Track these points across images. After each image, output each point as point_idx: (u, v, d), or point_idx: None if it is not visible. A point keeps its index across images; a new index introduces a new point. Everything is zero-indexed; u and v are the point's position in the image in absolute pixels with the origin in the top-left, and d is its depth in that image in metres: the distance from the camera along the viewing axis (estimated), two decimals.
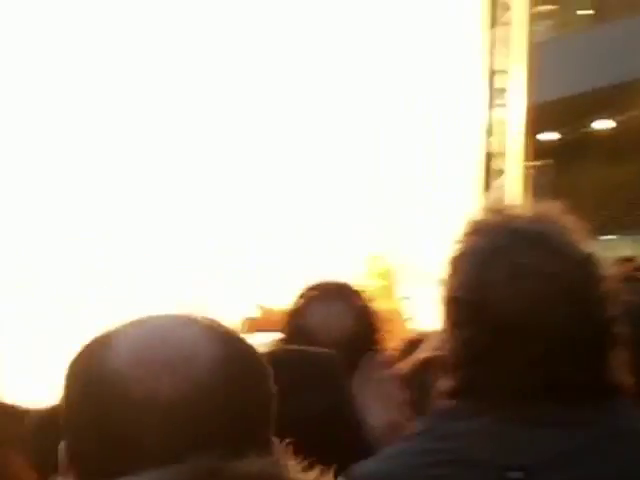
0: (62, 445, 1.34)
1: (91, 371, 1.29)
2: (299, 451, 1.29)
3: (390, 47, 9.46)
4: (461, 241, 1.81)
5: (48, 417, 3.04)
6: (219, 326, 1.34)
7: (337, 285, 2.91)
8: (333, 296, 2.84)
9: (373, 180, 9.38)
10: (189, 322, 1.32)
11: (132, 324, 1.33)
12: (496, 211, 1.83)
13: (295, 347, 2.49)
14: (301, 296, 2.84)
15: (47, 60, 8.17)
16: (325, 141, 9.31)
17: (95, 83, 8.36)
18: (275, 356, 2.16)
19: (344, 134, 9.35)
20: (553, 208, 1.81)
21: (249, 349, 1.33)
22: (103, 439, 1.26)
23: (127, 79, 8.50)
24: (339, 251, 8.63)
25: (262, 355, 1.34)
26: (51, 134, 8.29)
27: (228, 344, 1.30)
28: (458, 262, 1.80)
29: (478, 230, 1.82)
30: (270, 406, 1.31)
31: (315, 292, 2.83)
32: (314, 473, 1.19)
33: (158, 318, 1.35)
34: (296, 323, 2.79)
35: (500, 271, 1.72)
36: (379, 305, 6.99)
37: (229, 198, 8.95)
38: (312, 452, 1.31)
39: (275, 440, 1.31)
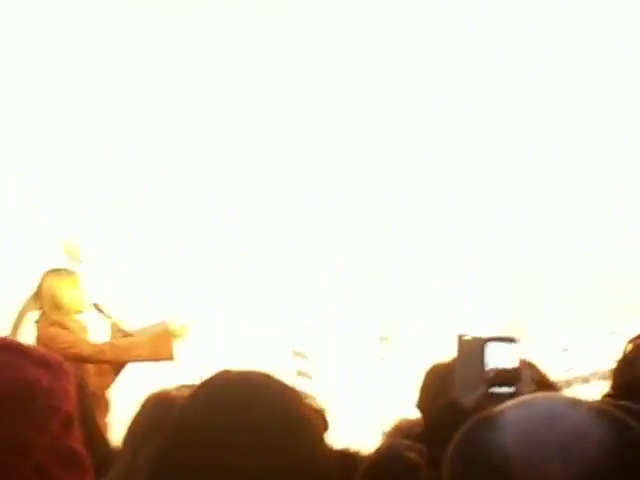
0: None
1: (477, 451, 1.28)
2: None
3: None
4: None
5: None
6: (606, 409, 1.29)
7: None
8: None
9: None
10: (575, 403, 1.29)
11: (517, 404, 1.31)
12: None
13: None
14: (630, 343, 2.57)
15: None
16: None
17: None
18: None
19: None
20: None
21: (637, 435, 1.26)
22: None
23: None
24: None
25: None
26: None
27: (618, 428, 1.25)
28: None
29: None
30: None
31: None
32: None
33: (544, 398, 1.32)
34: (627, 374, 2.52)
35: None
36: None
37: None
38: None
39: None
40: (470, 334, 2.36)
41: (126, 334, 6.73)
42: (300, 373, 7.46)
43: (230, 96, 8.53)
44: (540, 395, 1.34)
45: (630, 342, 2.57)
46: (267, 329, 8.26)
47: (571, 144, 8.71)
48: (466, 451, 1.29)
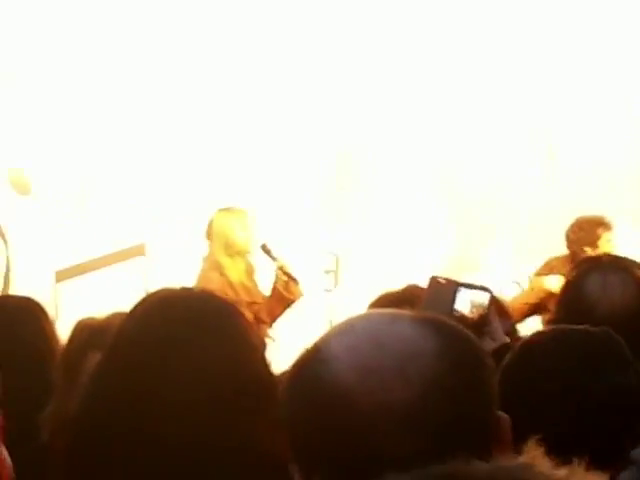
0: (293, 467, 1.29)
1: (314, 392, 1.24)
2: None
3: None
4: None
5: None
6: (425, 316, 1.29)
7: (613, 256, 2.68)
8: (612, 266, 2.61)
9: None
10: (395, 318, 1.27)
11: (339, 332, 1.27)
12: None
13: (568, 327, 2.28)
14: (575, 267, 2.66)
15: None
16: None
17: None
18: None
19: None
20: None
21: (461, 334, 1.28)
22: (341, 457, 1.21)
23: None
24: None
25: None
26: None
27: (441, 333, 1.25)
28: None
29: None
30: (493, 392, 1.26)
31: (590, 264, 2.63)
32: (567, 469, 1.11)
33: (362, 321, 1.29)
34: (572, 299, 2.60)
35: None
36: None
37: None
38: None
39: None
40: (444, 277, 2.34)
41: (291, 278, 6.58)
42: None
43: None
44: (354, 318, 1.29)
45: (574, 268, 2.66)
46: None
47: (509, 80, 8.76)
48: (299, 390, 1.25)
